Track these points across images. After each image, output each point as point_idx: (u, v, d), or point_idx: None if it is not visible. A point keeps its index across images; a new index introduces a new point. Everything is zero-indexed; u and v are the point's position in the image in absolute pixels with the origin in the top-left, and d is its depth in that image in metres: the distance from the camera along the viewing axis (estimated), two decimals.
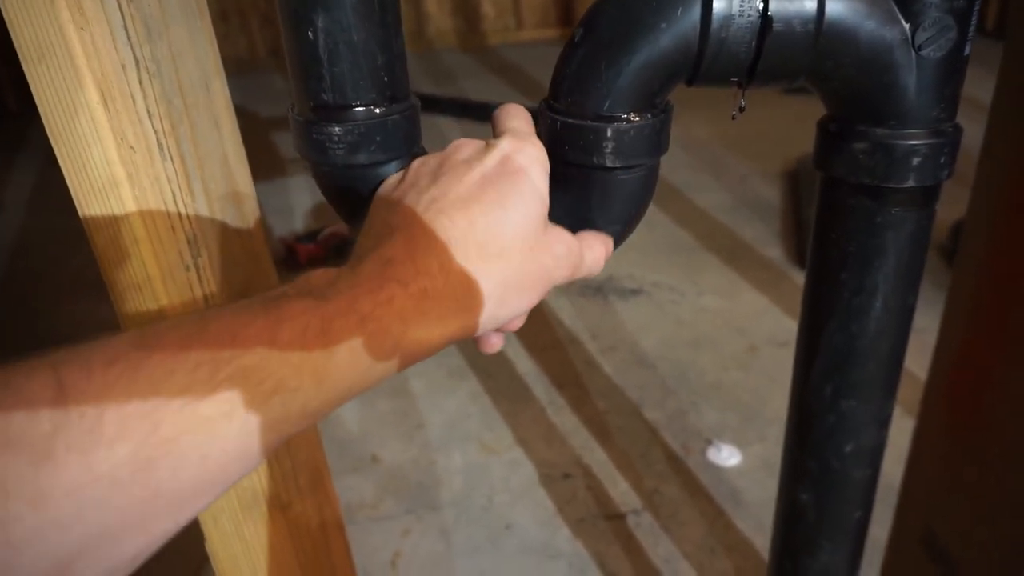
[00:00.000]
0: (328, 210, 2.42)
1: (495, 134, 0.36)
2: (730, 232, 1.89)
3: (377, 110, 0.37)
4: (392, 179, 0.36)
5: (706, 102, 1.93)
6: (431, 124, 2.66)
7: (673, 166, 2.27)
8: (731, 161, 2.32)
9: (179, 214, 0.44)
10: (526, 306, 0.33)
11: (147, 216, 0.41)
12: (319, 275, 0.29)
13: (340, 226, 1.98)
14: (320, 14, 0.34)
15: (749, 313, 1.55)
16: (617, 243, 0.40)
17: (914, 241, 0.40)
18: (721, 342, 1.46)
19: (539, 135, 0.37)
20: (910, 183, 0.37)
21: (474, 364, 1.44)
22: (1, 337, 1.66)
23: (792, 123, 2.39)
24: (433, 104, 2.82)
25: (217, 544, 0.53)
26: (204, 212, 0.47)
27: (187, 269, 0.45)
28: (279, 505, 0.54)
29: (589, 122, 0.35)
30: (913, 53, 0.35)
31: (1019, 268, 0.47)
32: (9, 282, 1.91)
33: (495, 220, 0.31)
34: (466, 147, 0.35)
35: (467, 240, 0.31)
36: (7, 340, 1.65)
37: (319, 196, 2.27)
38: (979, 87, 0.62)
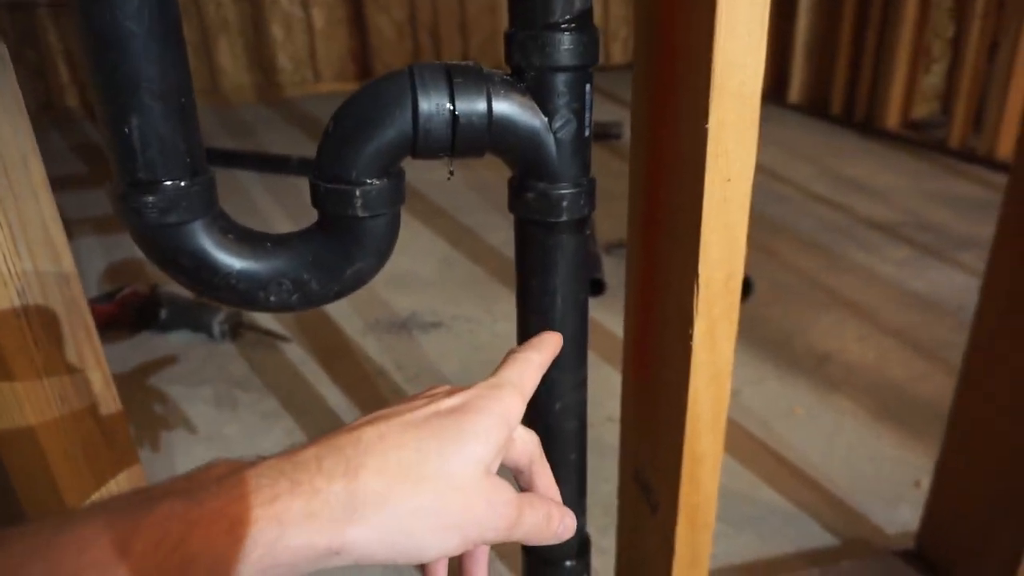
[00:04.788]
0: (122, 271, 2.32)
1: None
2: None
3: (182, 183, 0.49)
4: None
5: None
6: (231, 178, 2.67)
7: (469, 209, 2.50)
8: None
9: (9, 271, 0.53)
10: (439, 546, 0.31)
11: None
12: (221, 466, 0.29)
13: (139, 285, 1.95)
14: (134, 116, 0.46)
15: None
16: (372, 274, 0.55)
17: (575, 254, 0.59)
18: None
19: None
20: (564, 218, 0.56)
21: (288, 404, 1.52)
22: None
23: None
24: (233, 160, 2.83)
25: None
26: (29, 268, 0.56)
27: (17, 316, 0.54)
28: None
29: (344, 186, 0.50)
30: (552, 136, 0.54)
31: (658, 270, 0.69)
32: None
33: (426, 447, 0.31)
34: (438, 388, 0.37)
35: (388, 455, 0.30)
36: None
37: (112, 257, 2.23)
38: None
